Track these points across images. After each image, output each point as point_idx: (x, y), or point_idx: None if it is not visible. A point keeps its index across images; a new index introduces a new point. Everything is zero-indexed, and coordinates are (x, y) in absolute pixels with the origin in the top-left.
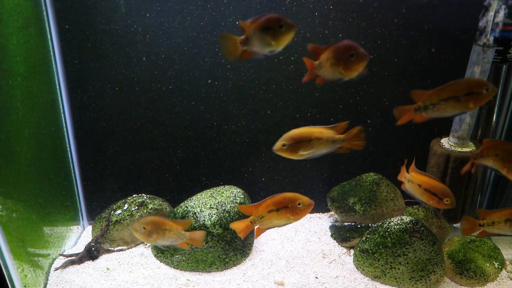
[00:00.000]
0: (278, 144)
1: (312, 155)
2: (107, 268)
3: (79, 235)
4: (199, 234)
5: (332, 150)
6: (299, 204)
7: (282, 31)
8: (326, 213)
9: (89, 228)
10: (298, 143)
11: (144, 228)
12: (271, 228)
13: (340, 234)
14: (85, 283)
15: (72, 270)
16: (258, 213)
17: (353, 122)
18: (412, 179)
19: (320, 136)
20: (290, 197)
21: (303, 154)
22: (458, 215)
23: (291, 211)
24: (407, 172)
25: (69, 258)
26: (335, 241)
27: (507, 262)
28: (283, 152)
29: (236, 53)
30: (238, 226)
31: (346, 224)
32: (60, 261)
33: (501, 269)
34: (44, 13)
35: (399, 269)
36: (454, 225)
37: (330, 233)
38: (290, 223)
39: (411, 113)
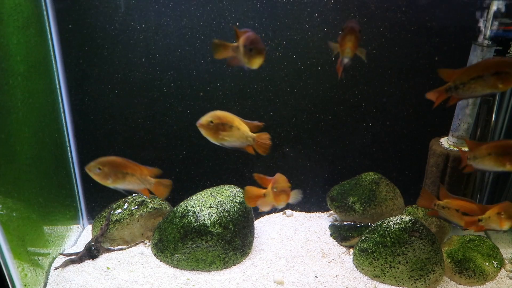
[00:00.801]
0: (204, 120)
1: (227, 143)
2: (107, 267)
3: (79, 234)
4: (166, 183)
5: (242, 145)
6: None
7: (252, 54)
8: (325, 212)
9: (89, 227)
10: (223, 125)
11: (99, 169)
12: (275, 206)
13: (340, 233)
14: (85, 282)
15: (72, 269)
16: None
17: (353, 121)
18: (448, 205)
19: (239, 126)
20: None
21: (223, 138)
22: None
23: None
24: (439, 199)
25: (69, 257)
26: (335, 240)
27: (506, 261)
28: (207, 129)
29: (226, 55)
30: (251, 192)
31: (345, 223)
32: (60, 260)
33: (500, 268)
34: (45, 13)
35: (398, 268)
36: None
37: (329, 232)
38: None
39: (443, 95)
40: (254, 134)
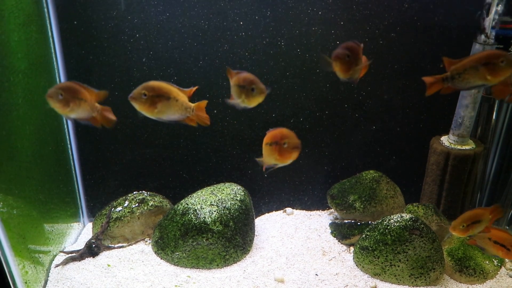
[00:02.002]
0: (136, 92)
1: (165, 117)
2: (108, 265)
3: (80, 232)
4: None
5: (182, 118)
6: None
7: (253, 94)
8: (326, 211)
9: (89, 225)
10: (158, 97)
11: (61, 95)
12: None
13: (340, 232)
14: (85, 279)
15: (72, 266)
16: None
17: (354, 119)
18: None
19: (178, 97)
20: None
21: (160, 112)
22: (458, 213)
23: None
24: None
25: (70, 254)
26: (335, 238)
27: (506, 259)
28: (140, 103)
29: None
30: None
31: (346, 221)
32: (61, 257)
33: (500, 267)
34: (45, 10)
35: (398, 266)
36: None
37: (330, 231)
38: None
39: (439, 83)
40: (193, 104)
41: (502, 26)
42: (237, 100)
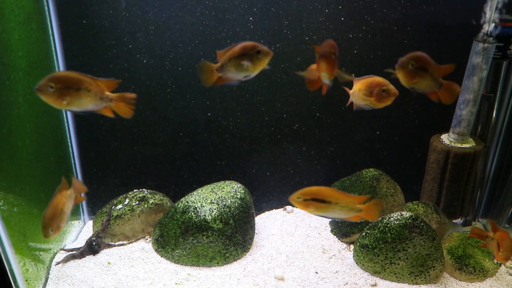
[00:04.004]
0: (42, 84)
1: (76, 108)
2: (108, 263)
3: (80, 230)
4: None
5: (98, 108)
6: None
7: (259, 57)
8: None
9: (90, 223)
10: (66, 89)
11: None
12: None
13: (340, 230)
14: (86, 277)
15: (73, 264)
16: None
17: (354, 117)
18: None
19: (90, 87)
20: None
21: (69, 104)
22: (458, 211)
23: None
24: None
25: (70, 252)
26: (335, 236)
27: None
28: (47, 95)
29: (212, 80)
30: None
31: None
32: (62, 255)
33: (500, 265)
34: (46, 8)
35: (398, 264)
36: (454, 221)
37: (330, 229)
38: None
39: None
40: (113, 94)
41: (502, 24)
42: (239, 74)
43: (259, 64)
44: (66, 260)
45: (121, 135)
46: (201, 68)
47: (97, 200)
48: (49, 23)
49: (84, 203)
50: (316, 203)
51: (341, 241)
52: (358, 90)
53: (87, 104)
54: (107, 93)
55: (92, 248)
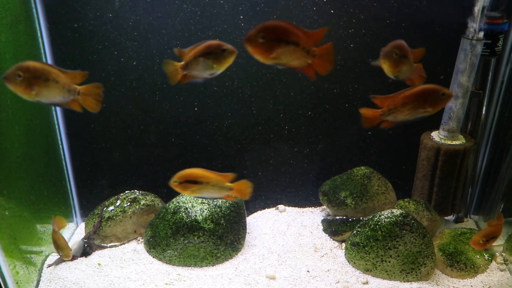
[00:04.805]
0: (10, 73)
1: (45, 99)
2: (99, 264)
3: (73, 232)
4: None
5: (65, 101)
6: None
7: (224, 55)
8: (318, 207)
9: (82, 225)
10: (35, 79)
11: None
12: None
13: (332, 228)
14: (78, 279)
15: (65, 266)
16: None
17: (345, 115)
18: None
19: (58, 78)
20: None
21: (38, 95)
22: (449, 208)
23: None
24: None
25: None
26: (327, 235)
27: (497, 253)
28: (15, 85)
29: (177, 78)
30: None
31: (337, 218)
32: (53, 258)
33: (491, 261)
34: (34, 10)
35: (390, 262)
36: (446, 217)
37: (322, 227)
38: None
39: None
40: (79, 87)
41: (489, 21)
42: (205, 72)
43: (224, 62)
44: (58, 262)
45: (113, 137)
46: (165, 67)
47: (90, 202)
48: (37, 26)
49: (76, 205)
50: (190, 184)
51: (333, 240)
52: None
53: (55, 96)
54: (74, 85)
55: (84, 250)
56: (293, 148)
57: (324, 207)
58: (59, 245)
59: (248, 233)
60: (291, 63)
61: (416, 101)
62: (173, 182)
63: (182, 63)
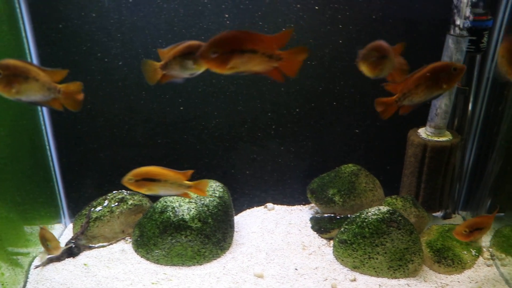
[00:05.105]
0: None
1: (25, 97)
2: (85, 264)
3: (61, 233)
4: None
5: (46, 100)
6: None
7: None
8: (307, 205)
9: (71, 226)
10: (15, 76)
11: None
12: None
13: (320, 226)
14: (65, 280)
15: (52, 267)
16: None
17: (333, 113)
18: None
19: (38, 77)
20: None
21: (18, 93)
22: (437, 204)
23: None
24: None
25: (50, 255)
26: (315, 232)
27: (484, 249)
28: None
29: (156, 78)
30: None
31: (325, 215)
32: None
33: (478, 256)
34: (18, 10)
35: (377, 259)
36: (434, 214)
37: (310, 225)
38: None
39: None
40: (60, 85)
41: (474, 18)
42: (184, 72)
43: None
44: (45, 263)
45: (100, 137)
46: (144, 67)
47: (78, 202)
48: (21, 25)
49: (64, 205)
50: (147, 182)
51: (321, 237)
52: None
53: (35, 94)
54: (55, 84)
55: (71, 250)
56: (281, 146)
57: (313, 205)
58: (47, 237)
59: (236, 231)
60: (253, 70)
61: (429, 80)
62: (128, 180)
63: (162, 62)
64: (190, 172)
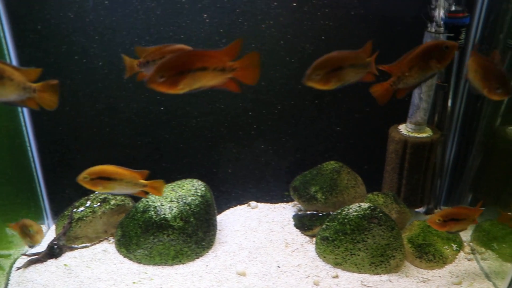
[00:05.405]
0: None
1: (1, 98)
2: (65, 265)
3: (44, 234)
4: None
5: (21, 99)
6: None
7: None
8: (290, 203)
9: (54, 227)
10: None
11: None
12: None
13: (303, 223)
14: (47, 281)
15: (34, 269)
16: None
17: (314, 111)
18: None
19: (12, 76)
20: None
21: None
22: (418, 200)
23: None
24: None
25: (32, 257)
26: (298, 230)
27: (464, 243)
28: None
29: (131, 72)
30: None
31: (308, 213)
32: (23, 260)
33: (459, 251)
34: None
35: (359, 255)
36: (416, 209)
37: (293, 223)
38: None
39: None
40: (35, 84)
41: (451, 15)
42: None
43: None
44: (27, 265)
45: (83, 138)
46: (125, 62)
47: (61, 203)
48: (0, 27)
49: (47, 207)
50: (102, 181)
51: (304, 235)
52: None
53: (10, 93)
54: (30, 83)
55: (53, 251)
56: (263, 145)
57: (296, 202)
58: (27, 223)
59: (220, 230)
60: (208, 85)
61: (421, 61)
62: (83, 178)
63: (141, 60)
64: (146, 172)
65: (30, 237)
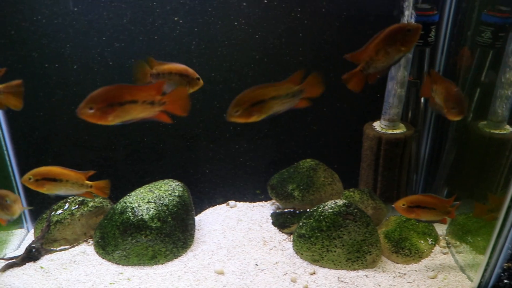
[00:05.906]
0: None
1: None
2: (41, 267)
3: (23, 238)
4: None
5: None
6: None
7: (197, 82)
8: (268, 202)
9: (33, 230)
10: None
11: None
12: None
13: (280, 221)
14: (25, 284)
15: (12, 273)
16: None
17: (291, 109)
18: None
19: None
20: None
21: None
22: (394, 195)
23: None
24: None
25: (10, 261)
26: (276, 228)
27: (440, 237)
28: None
29: (145, 80)
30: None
31: (286, 210)
32: (0, 264)
33: (435, 245)
34: None
35: (335, 251)
36: (392, 205)
37: (271, 221)
38: None
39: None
40: (1, 85)
41: (420, 13)
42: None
43: (196, 86)
44: (4, 269)
45: (60, 140)
46: (137, 67)
47: (40, 207)
48: None
49: (26, 211)
50: (47, 182)
51: (282, 232)
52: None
53: None
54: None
55: (31, 254)
56: (240, 144)
57: (274, 201)
58: (3, 193)
59: (198, 230)
60: (138, 117)
61: (387, 45)
62: (28, 179)
63: (153, 71)
64: (91, 172)
65: (6, 208)
